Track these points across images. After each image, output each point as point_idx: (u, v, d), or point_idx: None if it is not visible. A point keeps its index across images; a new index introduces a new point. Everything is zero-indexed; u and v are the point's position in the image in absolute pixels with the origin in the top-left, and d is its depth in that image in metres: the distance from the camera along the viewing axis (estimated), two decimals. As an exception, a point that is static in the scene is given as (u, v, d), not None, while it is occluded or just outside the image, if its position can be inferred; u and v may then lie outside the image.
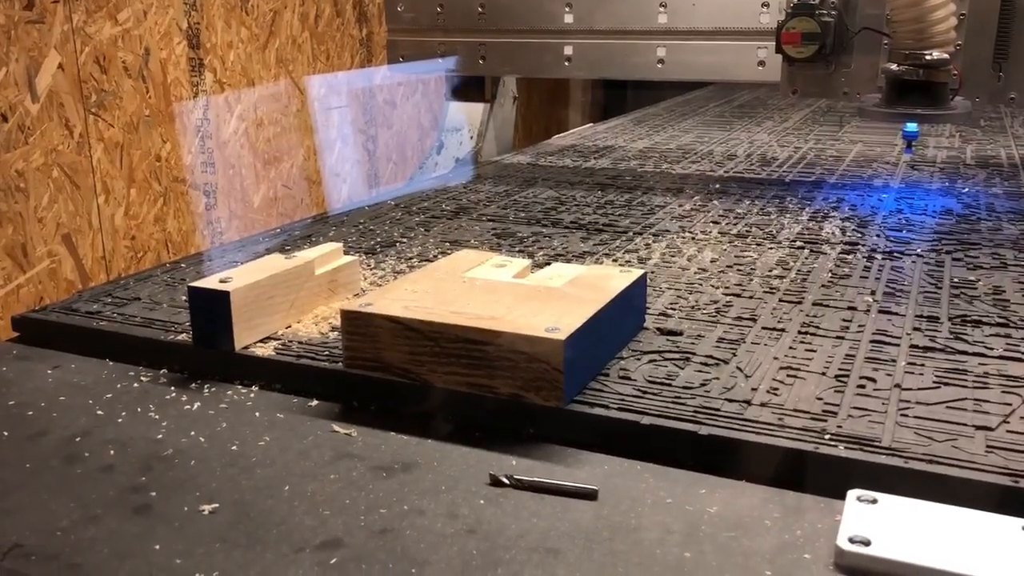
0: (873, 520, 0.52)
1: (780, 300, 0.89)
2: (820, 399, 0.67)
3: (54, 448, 0.65)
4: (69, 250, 1.65)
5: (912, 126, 1.31)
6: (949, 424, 0.63)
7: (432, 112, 2.86)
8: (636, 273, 0.79)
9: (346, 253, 0.91)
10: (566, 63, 1.59)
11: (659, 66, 1.52)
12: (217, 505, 0.57)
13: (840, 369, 0.72)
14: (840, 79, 1.31)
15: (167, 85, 1.86)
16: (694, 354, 0.75)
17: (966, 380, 0.70)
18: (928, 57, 1.16)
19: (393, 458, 0.63)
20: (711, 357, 0.74)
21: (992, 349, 0.76)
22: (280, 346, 0.77)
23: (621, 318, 0.76)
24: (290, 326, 0.82)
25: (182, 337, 0.80)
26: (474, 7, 1.62)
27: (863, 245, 1.08)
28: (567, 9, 1.55)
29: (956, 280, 0.95)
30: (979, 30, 1.26)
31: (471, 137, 1.79)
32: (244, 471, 0.61)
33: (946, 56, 1.16)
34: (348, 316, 0.71)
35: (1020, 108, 1.26)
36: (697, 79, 1.69)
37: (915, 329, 0.81)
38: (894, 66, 1.19)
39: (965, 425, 0.62)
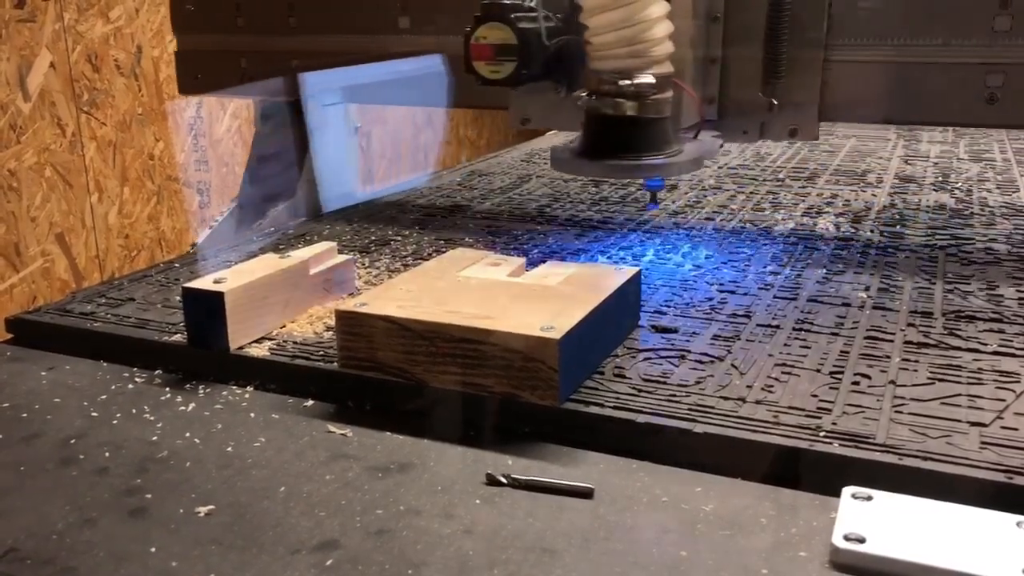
0: (868, 517, 0.52)
1: (774, 297, 0.89)
2: (815, 396, 0.67)
3: (48, 450, 0.65)
4: (62, 249, 1.65)
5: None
6: (943, 420, 0.63)
7: (425, 109, 2.85)
8: (631, 270, 0.79)
9: (340, 252, 0.91)
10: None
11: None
12: (213, 507, 0.57)
13: (835, 366, 0.72)
14: (576, 105, 0.89)
15: (159, 83, 1.85)
16: (689, 351, 0.75)
17: (960, 376, 0.70)
18: (625, 83, 0.80)
19: (389, 458, 0.63)
20: (706, 354, 0.75)
21: (986, 345, 0.76)
22: (275, 346, 0.77)
23: (616, 316, 0.76)
24: (285, 326, 0.81)
25: (176, 338, 0.80)
26: (282, 5, 1.16)
27: (857, 241, 1.09)
28: (401, 10, 1.11)
29: (950, 275, 0.95)
30: (743, 39, 0.93)
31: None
32: (240, 472, 0.61)
33: (649, 80, 0.80)
34: (343, 316, 0.71)
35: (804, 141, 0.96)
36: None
37: (909, 325, 0.81)
38: (585, 94, 0.85)
39: (959, 421, 0.63)
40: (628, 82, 0.80)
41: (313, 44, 1.15)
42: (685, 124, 0.92)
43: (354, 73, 1.18)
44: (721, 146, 0.95)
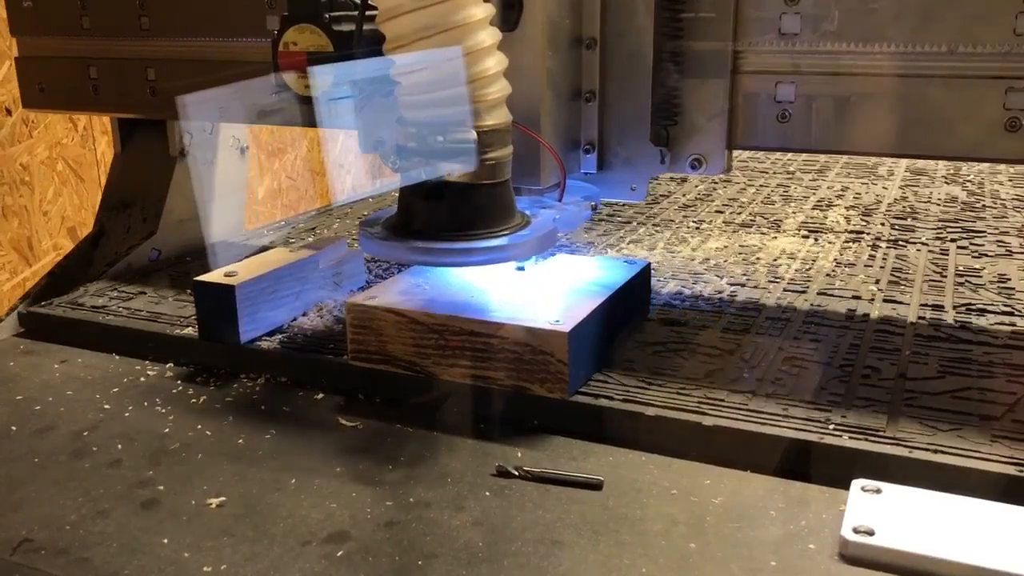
0: (877, 510, 0.52)
1: (784, 290, 0.89)
2: (824, 389, 0.67)
3: (62, 443, 0.66)
4: (74, 243, 1.66)
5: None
6: (953, 413, 0.63)
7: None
8: (640, 264, 0.79)
9: (350, 246, 0.91)
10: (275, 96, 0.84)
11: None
12: (224, 498, 0.58)
13: (845, 359, 0.72)
14: None
15: (170, 77, 1.85)
16: (698, 344, 0.75)
17: (971, 369, 0.70)
18: (437, 139, 0.62)
19: (399, 451, 0.63)
20: (715, 347, 0.75)
21: (997, 338, 0.76)
22: (285, 339, 0.78)
23: (625, 309, 0.76)
24: (295, 319, 0.82)
25: (188, 331, 0.81)
26: (132, 4, 0.96)
27: (867, 234, 1.08)
28: (270, 7, 0.88)
29: (961, 268, 0.94)
30: (626, 74, 0.72)
31: (144, 219, 1.04)
32: (251, 464, 0.62)
33: (468, 135, 0.62)
34: (353, 309, 0.71)
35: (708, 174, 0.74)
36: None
37: (920, 318, 0.80)
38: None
39: (969, 414, 0.62)
40: (440, 138, 0.61)
41: (170, 50, 0.96)
42: (546, 184, 0.72)
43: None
44: (595, 208, 0.72)
